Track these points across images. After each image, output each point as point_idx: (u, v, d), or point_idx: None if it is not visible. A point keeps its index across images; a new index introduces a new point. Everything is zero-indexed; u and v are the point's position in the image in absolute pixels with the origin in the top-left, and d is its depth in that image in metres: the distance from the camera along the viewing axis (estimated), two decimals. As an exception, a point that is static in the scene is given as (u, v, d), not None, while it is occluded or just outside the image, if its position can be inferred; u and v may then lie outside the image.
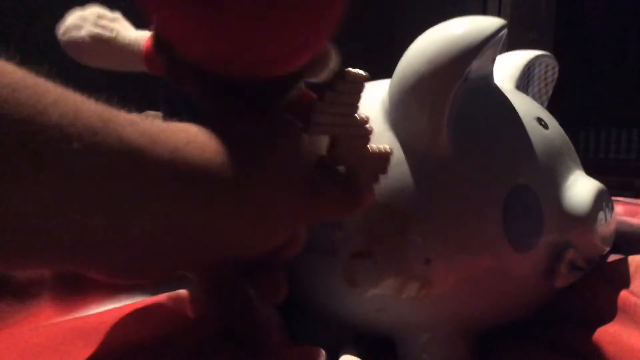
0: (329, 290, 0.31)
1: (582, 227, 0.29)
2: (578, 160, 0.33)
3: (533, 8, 1.37)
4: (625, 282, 0.32)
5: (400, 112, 0.27)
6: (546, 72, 0.39)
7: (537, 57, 0.37)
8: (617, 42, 1.45)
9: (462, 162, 0.28)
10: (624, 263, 0.34)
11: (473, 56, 0.26)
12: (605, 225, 0.31)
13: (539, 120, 0.32)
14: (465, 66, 0.26)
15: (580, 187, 0.30)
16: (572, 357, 0.29)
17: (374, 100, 0.30)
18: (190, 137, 0.18)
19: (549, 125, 0.32)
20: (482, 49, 0.26)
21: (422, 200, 0.27)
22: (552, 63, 0.39)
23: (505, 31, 0.28)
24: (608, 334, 0.29)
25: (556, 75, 0.39)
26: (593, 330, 0.30)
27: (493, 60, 0.31)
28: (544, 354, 0.30)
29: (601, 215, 0.30)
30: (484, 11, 1.39)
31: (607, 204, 0.31)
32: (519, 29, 1.30)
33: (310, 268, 0.31)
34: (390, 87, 0.28)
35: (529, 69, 0.37)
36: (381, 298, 0.29)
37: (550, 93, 0.40)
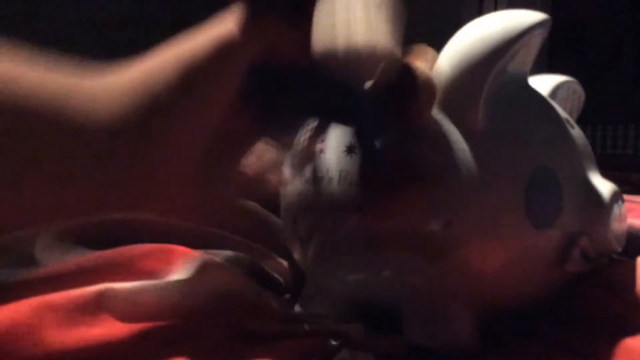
0: (345, 252, 0.32)
1: (598, 216, 0.31)
2: (596, 166, 0.35)
3: (528, 5, 1.38)
4: (629, 284, 0.33)
5: (445, 84, 0.30)
6: (571, 98, 0.40)
7: (563, 83, 0.38)
8: (612, 38, 1.46)
9: (494, 137, 0.30)
10: (629, 265, 0.34)
11: (505, 51, 0.29)
12: (619, 221, 0.32)
13: (567, 121, 0.34)
14: (498, 57, 0.29)
15: (599, 183, 0.32)
16: (574, 356, 0.30)
17: None
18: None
19: (575, 128, 0.34)
20: (514, 45, 0.29)
21: (450, 165, 0.29)
22: (579, 91, 0.40)
23: (543, 27, 0.30)
24: (609, 334, 0.29)
25: (582, 104, 0.40)
26: (595, 330, 0.30)
27: (532, 56, 0.33)
28: (544, 352, 0.31)
29: (616, 210, 0.32)
30: (480, 8, 1.40)
31: (621, 205, 0.33)
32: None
33: (329, 228, 0.32)
34: (440, 61, 0.31)
35: (554, 92, 0.38)
36: (396, 262, 0.30)
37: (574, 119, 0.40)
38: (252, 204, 0.46)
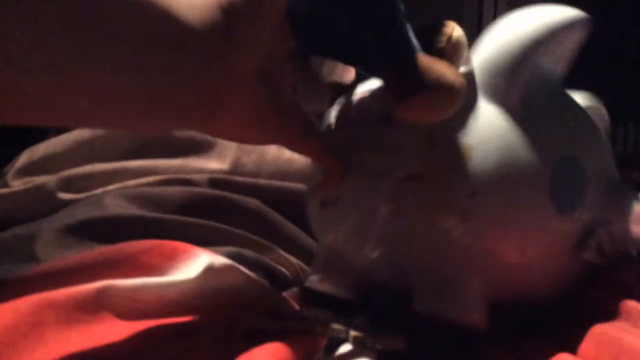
0: (369, 217, 0.32)
1: (618, 209, 0.33)
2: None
3: (529, 3, 1.38)
4: (633, 286, 0.33)
5: (486, 67, 0.32)
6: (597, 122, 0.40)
7: (589, 108, 0.38)
8: (613, 37, 1.45)
9: (528, 121, 0.31)
10: (634, 268, 0.35)
11: (539, 44, 0.31)
12: (636, 222, 0.33)
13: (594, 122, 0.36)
14: (534, 50, 0.31)
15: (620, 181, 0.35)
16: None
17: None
18: None
19: (601, 132, 0.36)
20: (550, 38, 0.31)
21: (483, 140, 0.30)
22: (604, 116, 0.40)
23: (579, 26, 0.32)
24: (609, 335, 0.29)
25: (608, 129, 0.40)
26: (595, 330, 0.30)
27: (567, 54, 0.33)
28: (547, 349, 0.31)
29: (635, 208, 0.33)
30: (480, 6, 1.40)
31: (638, 205, 0.34)
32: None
33: (357, 190, 0.33)
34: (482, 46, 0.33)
35: None
36: (419, 231, 0.31)
37: None
38: (254, 201, 0.46)
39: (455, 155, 0.30)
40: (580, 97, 0.38)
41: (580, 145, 0.33)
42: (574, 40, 0.33)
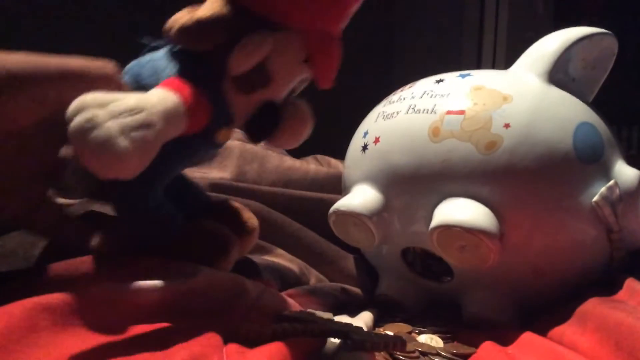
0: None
1: (629, 196, 0.37)
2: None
3: (530, 7, 1.38)
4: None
5: (539, 54, 0.42)
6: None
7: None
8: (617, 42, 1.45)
9: (559, 85, 0.41)
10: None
11: (557, 54, 0.41)
12: None
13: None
14: (555, 56, 0.41)
15: (629, 168, 0.39)
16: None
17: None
18: None
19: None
20: (562, 52, 0.41)
21: (521, 92, 0.39)
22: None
23: (586, 39, 0.41)
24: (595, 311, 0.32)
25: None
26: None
27: (585, 63, 0.42)
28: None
29: None
30: (481, 10, 1.40)
31: None
32: (516, 28, 1.30)
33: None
34: (541, 42, 0.43)
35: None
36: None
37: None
38: (254, 203, 0.46)
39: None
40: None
41: (594, 117, 0.40)
42: (596, 47, 0.42)
